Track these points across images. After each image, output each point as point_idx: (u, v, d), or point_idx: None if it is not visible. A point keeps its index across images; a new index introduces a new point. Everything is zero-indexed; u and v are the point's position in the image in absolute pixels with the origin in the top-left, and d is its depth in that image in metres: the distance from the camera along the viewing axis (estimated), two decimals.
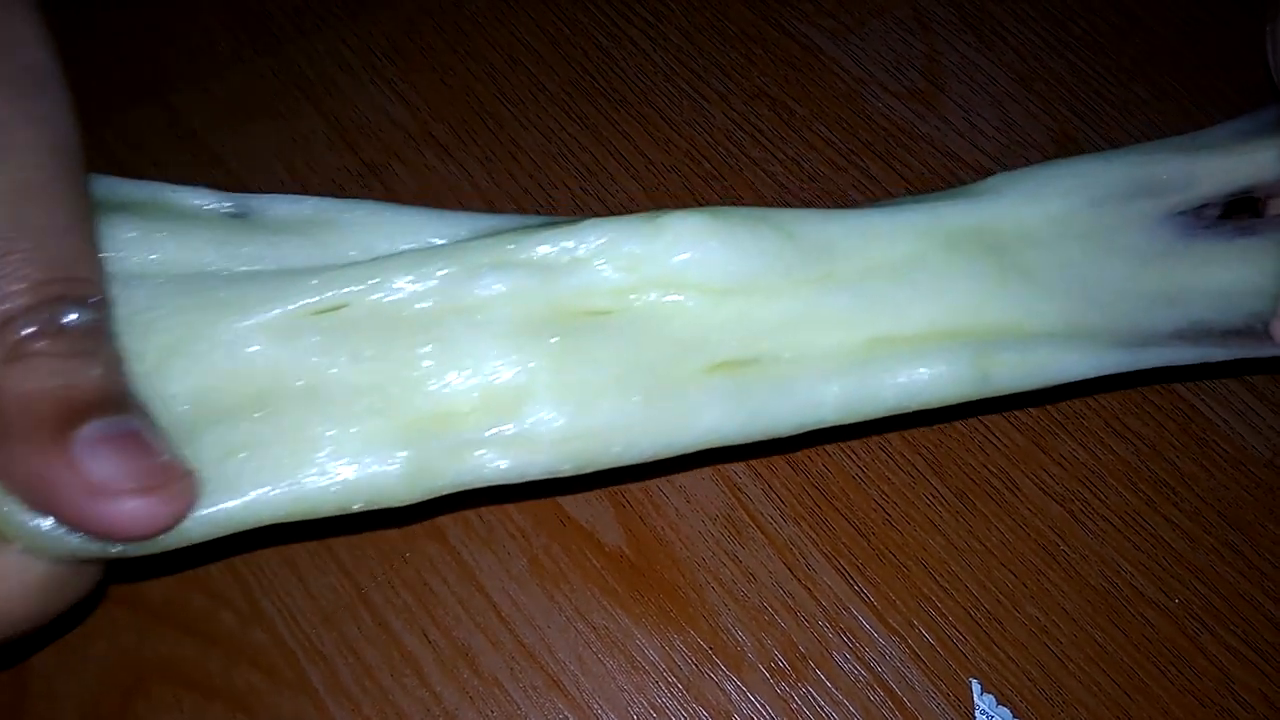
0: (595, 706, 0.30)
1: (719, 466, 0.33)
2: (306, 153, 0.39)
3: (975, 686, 0.30)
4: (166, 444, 0.23)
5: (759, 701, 0.30)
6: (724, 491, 0.33)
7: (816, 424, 0.27)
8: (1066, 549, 0.33)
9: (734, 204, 0.38)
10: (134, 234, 0.26)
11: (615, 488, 0.33)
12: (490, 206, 0.38)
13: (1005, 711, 0.30)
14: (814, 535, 0.33)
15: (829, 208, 0.30)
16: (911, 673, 0.31)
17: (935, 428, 0.34)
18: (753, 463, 0.33)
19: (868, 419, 0.28)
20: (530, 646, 0.31)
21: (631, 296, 0.27)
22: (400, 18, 0.42)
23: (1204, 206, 0.29)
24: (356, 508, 0.25)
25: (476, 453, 0.25)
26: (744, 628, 0.31)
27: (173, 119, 0.39)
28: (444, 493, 0.25)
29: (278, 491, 0.24)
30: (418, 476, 0.25)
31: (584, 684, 0.30)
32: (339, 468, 0.25)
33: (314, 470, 0.24)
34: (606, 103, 0.40)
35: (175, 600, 0.31)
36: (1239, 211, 0.30)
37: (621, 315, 0.27)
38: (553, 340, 0.26)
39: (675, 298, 0.27)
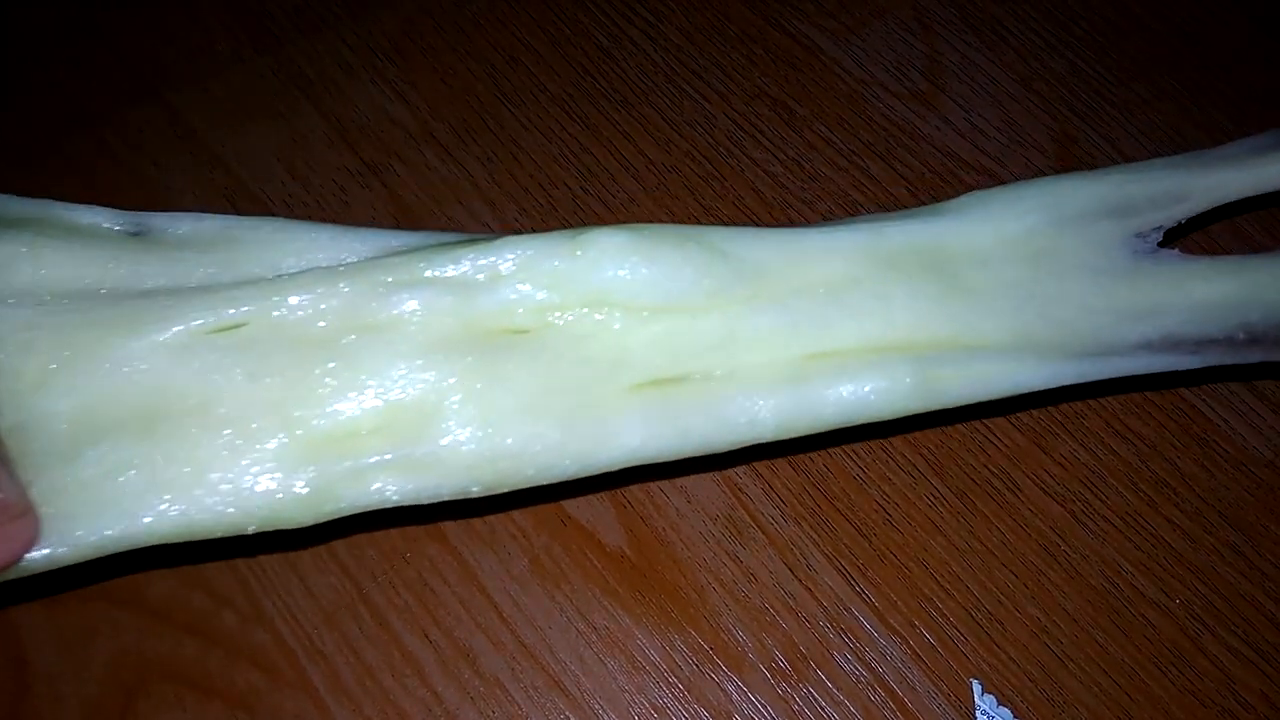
0: (596, 707, 0.30)
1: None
2: (306, 152, 0.39)
3: (976, 687, 0.30)
4: (10, 480, 0.22)
5: (760, 702, 0.30)
6: (725, 492, 0.33)
7: (754, 440, 0.27)
8: (1067, 549, 0.33)
9: (735, 205, 0.38)
10: (23, 250, 0.25)
11: (616, 488, 0.33)
12: (491, 207, 0.38)
13: (1006, 712, 0.30)
14: (815, 536, 0.33)
15: (775, 224, 0.30)
16: (912, 673, 0.31)
17: (936, 429, 0.34)
18: (754, 463, 0.33)
19: (811, 433, 0.28)
20: (531, 647, 0.31)
21: (552, 315, 0.26)
22: (400, 17, 0.42)
23: (1157, 229, 0.30)
24: (251, 530, 0.24)
25: (380, 475, 0.25)
26: (745, 628, 0.31)
27: (173, 119, 0.39)
28: (345, 515, 0.25)
29: (164, 512, 0.24)
30: (316, 498, 0.25)
31: (585, 684, 0.30)
32: (232, 488, 0.24)
33: (204, 491, 0.24)
34: (607, 103, 0.40)
35: (177, 600, 0.31)
36: (1183, 235, 0.31)
37: (541, 334, 0.26)
38: (467, 359, 0.26)
39: (598, 317, 0.27)
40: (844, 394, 0.27)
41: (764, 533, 0.33)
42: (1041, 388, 0.29)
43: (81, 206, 0.27)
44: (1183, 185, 0.30)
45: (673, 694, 0.30)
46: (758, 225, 0.38)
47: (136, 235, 0.27)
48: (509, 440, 0.25)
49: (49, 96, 0.40)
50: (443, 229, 0.37)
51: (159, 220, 0.27)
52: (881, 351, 0.28)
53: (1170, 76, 0.41)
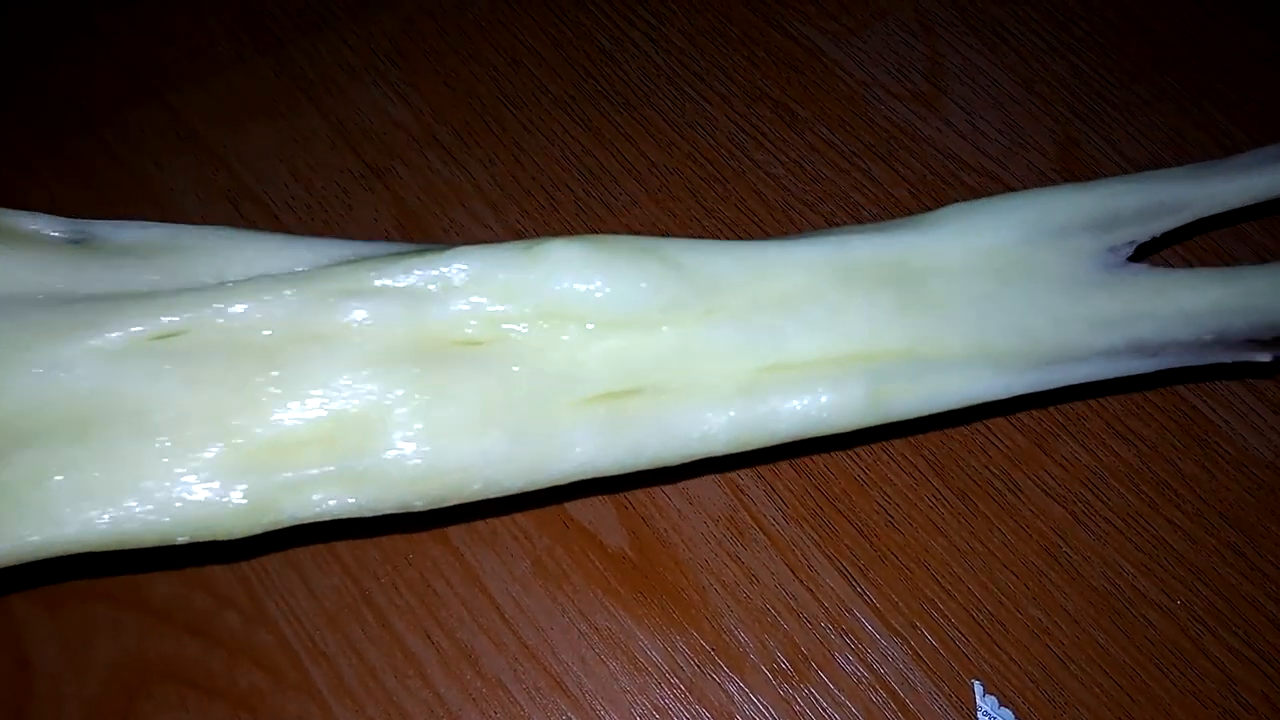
0: (598, 707, 0.30)
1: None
2: (308, 153, 0.39)
3: (978, 688, 0.31)
4: None
5: (761, 703, 0.30)
6: (726, 493, 0.33)
7: (707, 453, 0.27)
8: (1068, 550, 0.33)
9: (737, 207, 0.38)
10: None
11: (619, 490, 0.33)
12: (493, 209, 0.38)
13: (1008, 713, 0.30)
14: (816, 537, 0.33)
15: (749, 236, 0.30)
16: (914, 674, 0.31)
17: (938, 430, 0.34)
18: (756, 465, 0.33)
19: (766, 446, 0.28)
20: (533, 648, 0.31)
21: (505, 327, 0.26)
22: (402, 18, 0.42)
23: (1131, 242, 0.30)
24: (181, 540, 0.24)
25: (321, 486, 0.25)
26: (746, 629, 0.31)
27: (173, 119, 0.39)
28: (282, 527, 0.25)
29: (92, 519, 0.23)
30: (254, 509, 0.24)
31: (587, 685, 0.30)
32: (166, 497, 0.24)
33: (137, 499, 0.23)
34: (609, 105, 0.40)
35: (179, 601, 0.31)
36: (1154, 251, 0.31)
37: (493, 347, 0.26)
38: (415, 371, 0.25)
39: (552, 330, 0.26)
40: (797, 407, 0.27)
41: (765, 534, 0.33)
42: (997, 398, 0.29)
43: (24, 213, 0.26)
44: (1181, 196, 0.30)
45: (674, 695, 0.30)
46: (755, 227, 0.38)
47: (79, 243, 0.26)
48: (456, 454, 0.25)
49: (49, 96, 0.40)
50: (445, 231, 0.37)
51: (103, 228, 0.27)
52: (836, 364, 0.27)
53: (1171, 78, 0.41)
